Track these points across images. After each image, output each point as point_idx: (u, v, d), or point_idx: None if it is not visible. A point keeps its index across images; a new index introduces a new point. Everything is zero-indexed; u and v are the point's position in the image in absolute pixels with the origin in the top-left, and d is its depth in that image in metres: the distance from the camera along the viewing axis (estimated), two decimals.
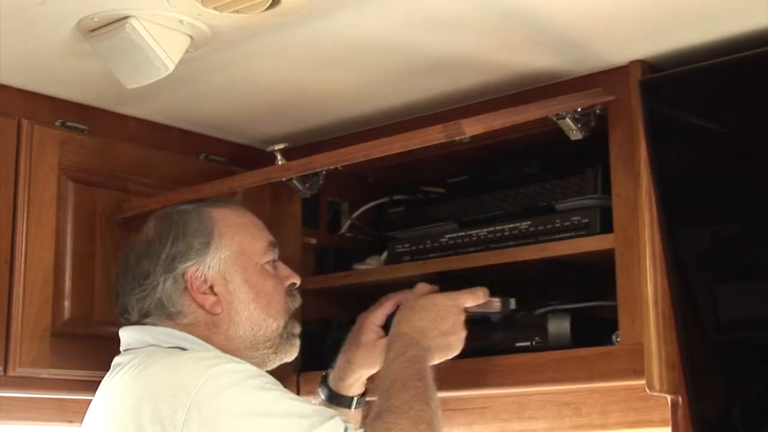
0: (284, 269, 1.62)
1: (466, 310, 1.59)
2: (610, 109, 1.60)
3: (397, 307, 1.64)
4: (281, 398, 1.37)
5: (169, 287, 1.52)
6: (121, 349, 1.55)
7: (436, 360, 1.54)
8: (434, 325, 1.55)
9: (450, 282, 1.66)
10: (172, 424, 1.34)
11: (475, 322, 1.61)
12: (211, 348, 1.51)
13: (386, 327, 1.64)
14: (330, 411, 1.39)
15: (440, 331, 1.55)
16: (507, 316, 1.64)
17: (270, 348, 1.56)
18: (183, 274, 1.53)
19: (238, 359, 1.45)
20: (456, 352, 1.57)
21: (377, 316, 1.67)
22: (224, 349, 1.51)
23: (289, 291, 1.61)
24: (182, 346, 1.50)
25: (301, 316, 1.69)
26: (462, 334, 1.57)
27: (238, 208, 1.66)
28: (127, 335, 1.54)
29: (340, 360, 1.68)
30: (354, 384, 1.67)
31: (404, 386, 1.42)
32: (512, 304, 1.63)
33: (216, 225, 1.57)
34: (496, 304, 1.63)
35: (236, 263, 1.56)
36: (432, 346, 1.53)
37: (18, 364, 1.65)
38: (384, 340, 1.61)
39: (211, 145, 1.95)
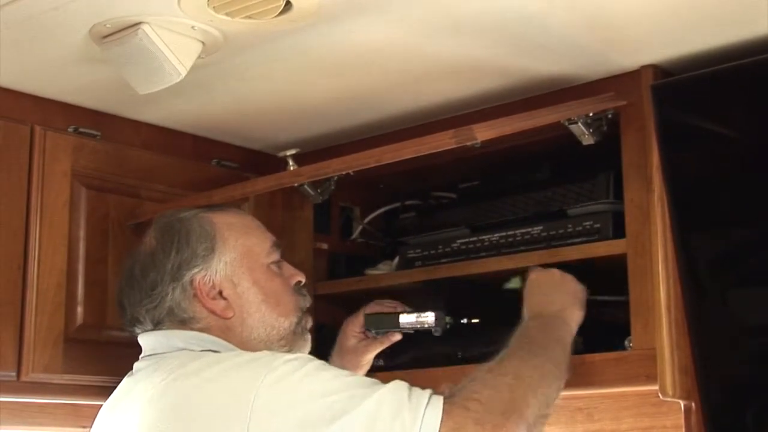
0: (288, 268, 1.62)
1: (400, 326, 1.69)
2: (622, 114, 1.60)
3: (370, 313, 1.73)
4: (342, 374, 1.39)
5: (178, 295, 1.52)
6: (143, 354, 1.54)
7: (578, 317, 1.55)
8: (560, 288, 1.58)
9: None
10: (239, 420, 1.33)
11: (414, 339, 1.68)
12: (242, 351, 1.50)
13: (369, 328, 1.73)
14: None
15: (569, 292, 1.57)
16: (446, 330, 1.66)
17: (284, 346, 1.57)
18: (191, 282, 1.52)
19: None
20: (584, 300, 1.57)
21: (356, 323, 1.74)
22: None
23: (297, 289, 1.61)
24: (214, 349, 1.49)
25: (314, 320, 1.69)
26: (581, 285, 1.59)
27: (236, 212, 1.66)
28: (151, 340, 1.53)
29: (330, 362, 1.71)
30: None
31: (540, 343, 1.46)
32: (447, 319, 1.67)
33: (218, 229, 1.56)
34: (431, 319, 1.66)
35: (242, 265, 1.55)
36: (567, 315, 1.54)
37: (31, 369, 1.64)
38: (364, 343, 1.73)
39: (223, 150, 1.95)
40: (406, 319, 1.70)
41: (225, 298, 1.53)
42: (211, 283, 1.53)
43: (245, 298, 1.54)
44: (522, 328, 1.52)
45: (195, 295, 1.52)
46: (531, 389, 1.39)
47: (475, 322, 1.66)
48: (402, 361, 1.78)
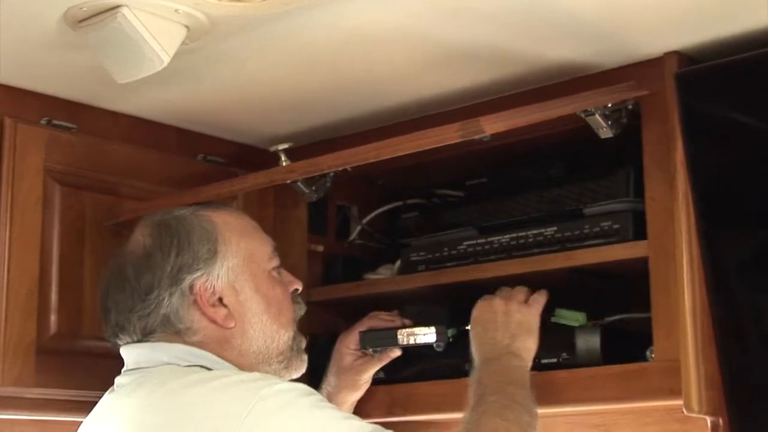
0: (287, 275, 1.64)
1: (401, 343, 1.71)
2: (643, 105, 1.60)
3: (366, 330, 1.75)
4: (339, 416, 1.38)
5: (176, 302, 1.52)
6: (125, 368, 1.54)
7: (530, 346, 1.58)
8: (514, 327, 1.59)
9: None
10: None
11: (417, 352, 1.71)
12: (233, 368, 1.51)
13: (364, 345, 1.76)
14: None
15: (520, 330, 1.59)
16: (449, 343, 1.69)
17: (282, 362, 1.58)
18: (191, 287, 1.53)
19: (281, 378, 1.46)
20: (535, 326, 1.60)
21: (351, 340, 1.77)
22: (237, 367, 1.52)
23: (294, 298, 1.63)
24: (203, 365, 1.49)
25: (308, 329, 1.70)
26: (530, 309, 1.61)
27: (235, 211, 1.67)
28: (135, 353, 1.53)
29: (325, 384, 1.75)
30: (341, 406, 1.71)
31: (494, 391, 1.46)
32: (449, 333, 1.69)
33: (219, 230, 1.57)
34: (431, 334, 1.68)
35: (245, 271, 1.56)
36: (520, 348, 1.57)
37: (0, 383, 1.65)
38: (360, 362, 1.75)
39: (210, 144, 1.96)
40: (405, 336, 1.72)
41: (225, 306, 1.54)
42: (212, 289, 1.53)
43: (247, 306, 1.55)
44: (479, 379, 1.53)
45: (194, 302, 1.52)
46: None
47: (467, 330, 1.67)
48: (404, 374, 1.79)
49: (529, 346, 1.59)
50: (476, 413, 1.45)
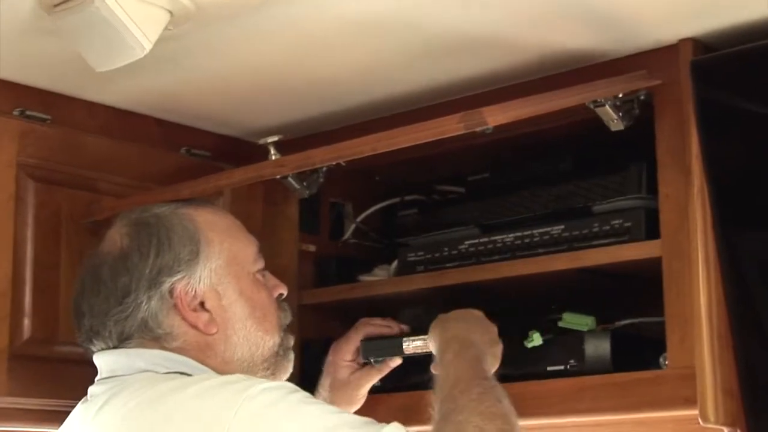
0: (272, 279, 1.64)
1: (405, 353, 1.71)
2: (656, 95, 1.61)
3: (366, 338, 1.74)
4: (329, 411, 1.39)
5: (154, 306, 1.52)
6: (99, 376, 1.54)
7: (490, 368, 1.55)
8: (482, 330, 1.58)
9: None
10: None
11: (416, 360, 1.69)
12: (214, 372, 1.51)
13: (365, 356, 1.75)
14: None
15: (489, 337, 1.59)
16: None
17: (267, 369, 1.58)
18: (171, 290, 1.53)
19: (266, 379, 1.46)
20: (498, 363, 1.59)
21: (346, 351, 1.75)
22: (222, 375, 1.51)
23: (279, 304, 1.63)
24: (183, 371, 1.49)
25: (299, 334, 1.72)
26: (501, 346, 1.60)
27: (218, 209, 1.67)
28: (110, 360, 1.53)
29: (318, 398, 1.72)
30: None
31: (469, 384, 1.43)
32: None
33: (201, 230, 1.57)
34: (431, 343, 1.65)
35: (228, 273, 1.56)
36: (486, 351, 1.55)
37: None
38: (357, 374, 1.73)
39: (194, 137, 1.95)
40: (411, 344, 1.71)
41: (207, 311, 1.54)
42: (193, 293, 1.53)
43: (231, 311, 1.55)
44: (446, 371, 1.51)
45: (174, 306, 1.52)
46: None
47: None
48: (403, 382, 1.78)
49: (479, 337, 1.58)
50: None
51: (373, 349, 1.75)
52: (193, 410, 1.37)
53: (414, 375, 1.73)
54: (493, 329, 1.60)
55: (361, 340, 1.75)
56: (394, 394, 1.79)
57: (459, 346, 1.52)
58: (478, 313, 1.62)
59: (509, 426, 1.37)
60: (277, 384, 1.41)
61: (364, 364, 1.76)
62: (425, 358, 1.67)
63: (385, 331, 1.76)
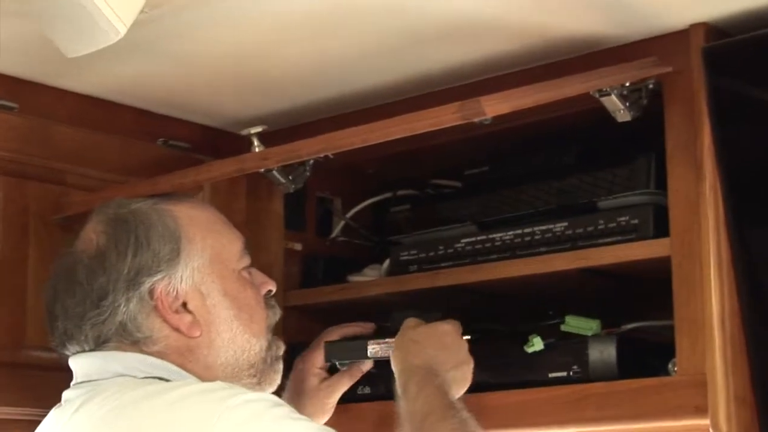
0: (259, 275, 1.64)
1: (369, 355, 1.70)
2: (665, 84, 1.61)
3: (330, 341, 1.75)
4: (314, 428, 1.40)
5: (133, 308, 1.52)
6: (74, 381, 1.54)
7: (455, 395, 1.56)
8: (446, 355, 1.60)
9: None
10: None
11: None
12: (195, 378, 1.51)
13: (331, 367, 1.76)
14: None
15: (455, 360, 1.60)
16: None
17: (254, 376, 1.58)
18: (151, 291, 1.53)
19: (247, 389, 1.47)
20: (467, 384, 1.61)
21: (316, 357, 1.76)
22: (202, 381, 1.51)
23: (267, 301, 1.62)
24: (162, 376, 1.49)
25: (285, 338, 1.70)
26: (471, 364, 1.62)
27: (200, 204, 1.68)
28: (85, 363, 1.53)
29: None
30: None
31: (442, 418, 1.46)
32: None
33: (182, 226, 1.57)
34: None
35: (212, 272, 1.56)
36: (449, 378, 1.57)
37: None
38: (328, 382, 1.74)
39: (172, 127, 1.95)
40: (377, 346, 1.70)
41: (190, 312, 1.54)
42: (174, 293, 1.54)
43: (215, 312, 1.55)
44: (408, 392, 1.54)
45: (155, 308, 1.53)
46: None
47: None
48: (385, 391, 1.77)
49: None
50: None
51: (336, 352, 1.75)
52: (169, 420, 1.38)
53: (390, 382, 1.72)
54: (462, 348, 1.61)
55: (325, 342, 1.75)
56: (371, 403, 1.79)
57: (420, 378, 1.55)
58: (445, 329, 1.62)
59: None
60: (260, 396, 1.42)
61: (332, 370, 1.76)
62: None
63: (358, 333, 1.77)
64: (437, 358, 1.58)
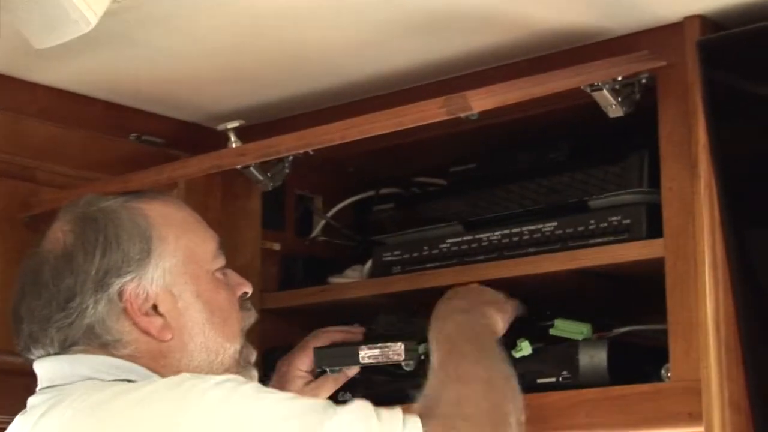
0: (234, 277, 1.64)
1: (361, 362, 1.72)
2: (659, 78, 1.61)
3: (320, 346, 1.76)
4: (285, 397, 1.43)
5: (102, 310, 1.51)
6: (39, 386, 1.53)
7: (498, 318, 1.64)
8: (475, 296, 1.66)
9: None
10: None
11: (382, 372, 1.72)
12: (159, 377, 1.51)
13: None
14: None
15: (495, 304, 1.66)
16: (420, 363, 1.66)
17: None
18: (120, 293, 1.52)
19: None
20: (511, 312, 1.67)
21: (302, 360, 1.77)
22: None
23: (242, 303, 1.62)
24: (130, 378, 1.49)
25: (262, 342, 1.73)
26: (512, 303, 1.69)
27: (173, 201, 1.67)
28: (50, 367, 1.53)
29: None
30: None
31: (449, 353, 1.53)
32: (420, 349, 1.67)
33: (153, 226, 1.56)
34: (399, 351, 1.67)
35: (185, 273, 1.56)
36: (484, 309, 1.63)
37: None
38: (313, 385, 1.75)
39: (145, 121, 1.95)
40: (369, 352, 1.71)
41: (161, 315, 1.54)
42: (144, 295, 1.53)
43: (188, 315, 1.55)
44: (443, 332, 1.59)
45: (124, 311, 1.52)
46: (503, 394, 1.49)
47: None
48: (370, 394, 1.77)
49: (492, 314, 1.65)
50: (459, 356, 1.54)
51: (326, 358, 1.75)
52: (139, 417, 1.38)
53: (378, 386, 1.74)
54: (499, 295, 1.67)
55: (315, 348, 1.76)
56: None
57: (448, 326, 1.60)
58: (468, 287, 1.68)
59: (491, 388, 1.49)
60: (226, 377, 1.42)
61: (319, 374, 1.77)
62: (389, 369, 1.69)
63: (347, 337, 1.77)
64: (463, 302, 1.63)
